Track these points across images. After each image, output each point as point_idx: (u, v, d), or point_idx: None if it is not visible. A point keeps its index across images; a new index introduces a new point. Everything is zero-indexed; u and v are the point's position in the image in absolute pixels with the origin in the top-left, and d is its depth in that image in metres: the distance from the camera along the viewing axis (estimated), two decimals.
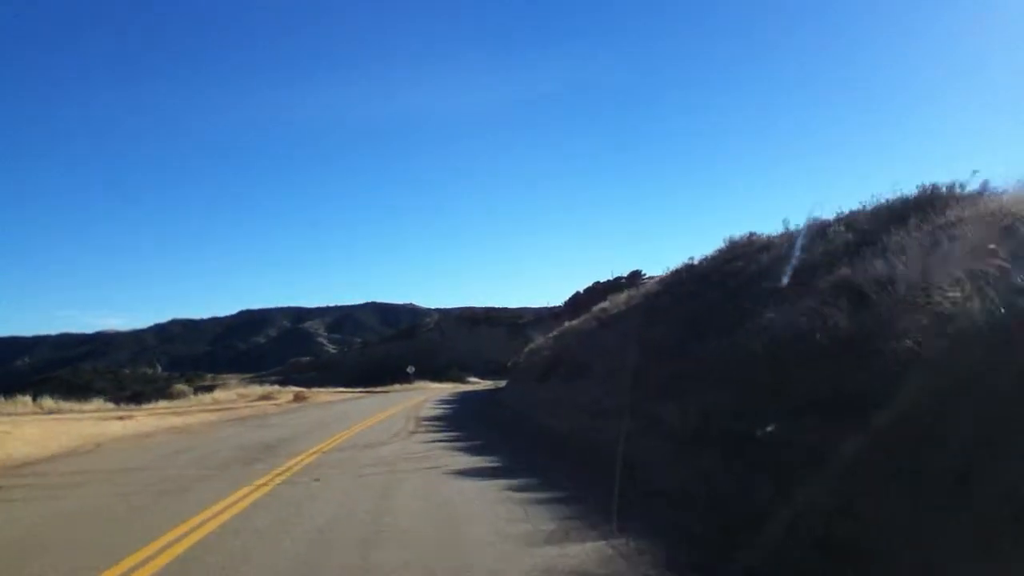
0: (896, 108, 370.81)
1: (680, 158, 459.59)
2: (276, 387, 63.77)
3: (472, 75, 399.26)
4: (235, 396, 48.60)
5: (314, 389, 64.16)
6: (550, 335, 40.19)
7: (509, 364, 75.58)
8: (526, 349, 48.48)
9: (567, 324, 39.90)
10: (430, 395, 51.90)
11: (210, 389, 70.95)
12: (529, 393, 30.22)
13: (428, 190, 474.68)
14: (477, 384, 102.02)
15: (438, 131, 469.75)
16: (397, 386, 78.34)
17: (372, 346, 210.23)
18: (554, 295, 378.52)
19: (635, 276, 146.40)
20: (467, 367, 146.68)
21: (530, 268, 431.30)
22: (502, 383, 74.71)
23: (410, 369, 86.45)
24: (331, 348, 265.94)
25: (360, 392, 65.68)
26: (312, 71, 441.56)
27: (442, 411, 32.59)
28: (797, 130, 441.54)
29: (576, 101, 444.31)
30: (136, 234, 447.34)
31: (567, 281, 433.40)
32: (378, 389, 70.98)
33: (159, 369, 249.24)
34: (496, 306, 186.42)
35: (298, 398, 46.99)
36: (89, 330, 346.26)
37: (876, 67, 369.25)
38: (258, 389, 58.59)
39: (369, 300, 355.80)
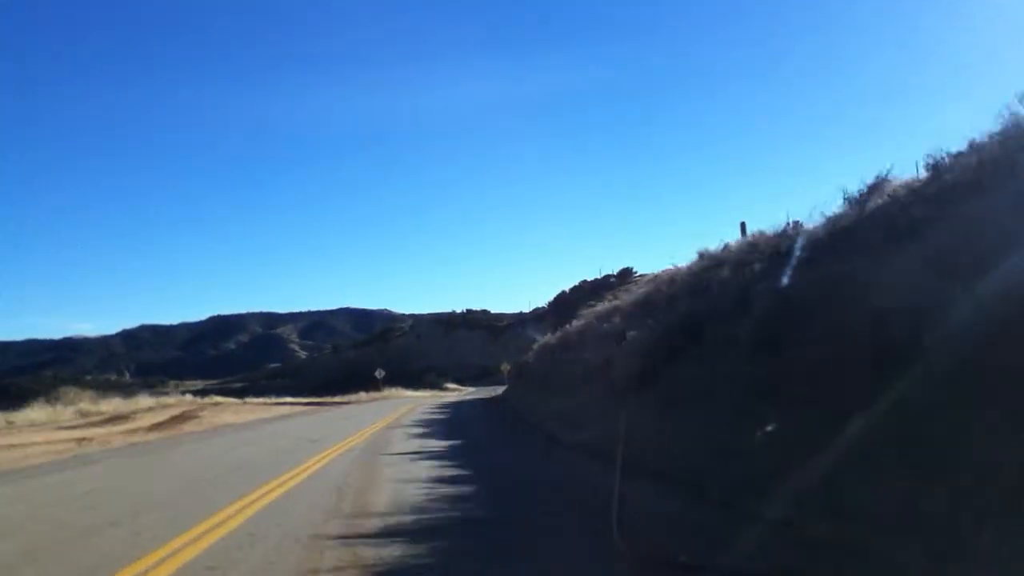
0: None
1: (668, 155, 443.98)
2: (189, 397, 46.63)
3: (449, 78, 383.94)
4: (74, 414, 30.47)
5: (250, 400, 47.03)
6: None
7: (505, 367, 60.76)
8: (537, 345, 34.46)
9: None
10: (404, 412, 34.68)
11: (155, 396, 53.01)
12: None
13: (404, 195, 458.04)
14: (459, 392, 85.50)
15: (414, 136, 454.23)
16: (363, 395, 61.67)
17: (343, 351, 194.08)
18: (536, 297, 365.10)
19: (626, 274, 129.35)
20: (444, 372, 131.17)
21: (510, 271, 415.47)
22: (492, 390, 59.25)
23: (379, 373, 69.52)
24: (303, 354, 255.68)
25: (307, 405, 47.32)
26: (285, 77, 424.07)
27: (440, 464, 13.68)
28: (788, 126, 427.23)
29: (557, 102, 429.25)
30: (105, 238, 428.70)
31: (549, 283, 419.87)
32: (336, 399, 53.58)
33: (127, 375, 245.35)
34: (474, 308, 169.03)
35: (178, 420, 27.44)
36: (57, 336, 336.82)
37: (869, 60, 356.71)
38: (142, 402, 39.55)
39: (343, 306, 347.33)
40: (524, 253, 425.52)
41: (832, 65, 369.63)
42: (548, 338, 34.55)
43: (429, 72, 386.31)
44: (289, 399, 53.66)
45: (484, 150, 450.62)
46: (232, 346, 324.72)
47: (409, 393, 68.74)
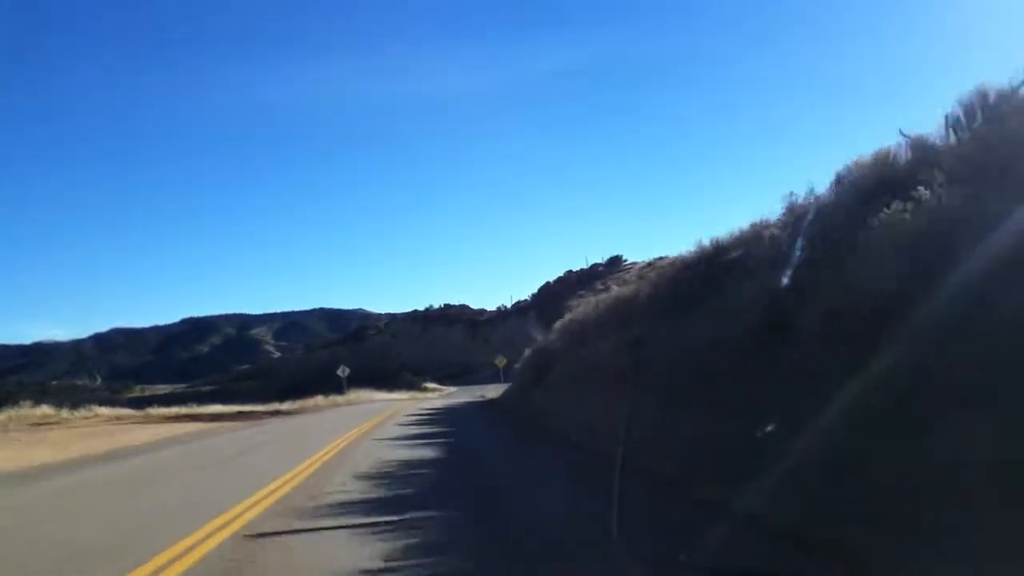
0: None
1: (651, 143, 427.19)
2: (105, 410, 33.27)
3: (423, 73, 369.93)
4: None
5: (154, 414, 33.58)
6: None
7: (500, 361, 48.37)
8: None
9: None
10: (369, 428, 21.46)
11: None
12: None
13: (378, 192, 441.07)
14: (441, 392, 72.30)
15: (388, 132, 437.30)
16: (320, 399, 48.48)
17: (315, 351, 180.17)
18: (519, 290, 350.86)
19: (615, 262, 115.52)
20: (421, 371, 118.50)
21: (488, 266, 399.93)
22: (478, 390, 46.39)
23: (342, 371, 55.93)
24: (278, 356, 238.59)
25: (234, 418, 30.84)
26: (257, 77, 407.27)
27: None
28: (774, 120, 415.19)
29: (532, 93, 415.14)
30: (76, 242, 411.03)
31: (530, 276, 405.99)
32: (285, 407, 39.43)
33: (99, 380, 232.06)
34: (453, 303, 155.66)
35: None
36: (27, 340, 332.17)
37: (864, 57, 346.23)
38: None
39: (318, 306, 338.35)
40: (502, 248, 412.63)
41: (823, 57, 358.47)
42: (589, 309, 22.16)
43: (401, 70, 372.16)
44: (219, 407, 39.61)
45: (459, 144, 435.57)
46: (205, 349, 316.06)
47: (380, 396, 55.64)
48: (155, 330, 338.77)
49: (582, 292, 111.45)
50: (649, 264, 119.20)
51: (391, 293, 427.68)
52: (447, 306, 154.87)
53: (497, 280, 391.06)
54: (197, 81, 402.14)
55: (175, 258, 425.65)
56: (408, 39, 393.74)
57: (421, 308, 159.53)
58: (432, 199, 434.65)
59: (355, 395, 52.97)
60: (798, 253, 9.90)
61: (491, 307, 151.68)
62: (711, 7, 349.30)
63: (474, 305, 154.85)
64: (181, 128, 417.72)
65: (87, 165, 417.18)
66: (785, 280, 9.47)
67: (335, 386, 66.51)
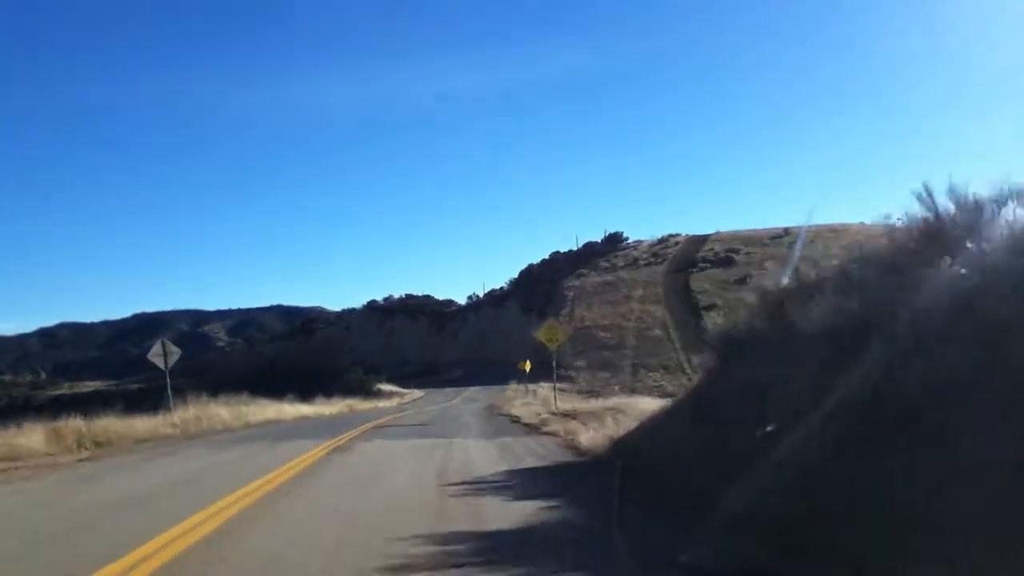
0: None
1: (638, 126, 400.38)
2: None
3: (381, 73, 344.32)
4: None
5: None
6: None
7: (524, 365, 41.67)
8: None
9: None
10: None
11: None
12: None
13: (337, 187, 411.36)
14: (401, 399, 49.09)
15: (341, 127, 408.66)
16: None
17: (260, 345, 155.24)
18: (492, 279, 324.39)
19: (615, 239, 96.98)
20: (378, 369, 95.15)
21: (455, 258, 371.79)
22: (456, 396, 45.55)
23: (160, 352, 27.93)
24: (218, 351, 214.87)
25: None
26: (219, 76, 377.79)
27: None
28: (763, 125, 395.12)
29: (501, 87, 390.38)
30: (23, 234, 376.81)
31: (502, 266, 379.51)
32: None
33: (42, 376, 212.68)
34: (416, 293, 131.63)
35: None
36: None
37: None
38: None
39: (275, 303, 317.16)
40: (470, 239, 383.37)
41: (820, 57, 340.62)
42: None
43: (364, 67, 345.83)
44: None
45: (420, 138, 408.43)
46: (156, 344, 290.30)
47: (291, 411, 30.25)
48: (105, 325, 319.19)
49: (583, 271, 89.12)
50: (661, 241, 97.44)
51: (352, 292, 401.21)
52: (408, 296, 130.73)
53: (465, 271, 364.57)
54: (134, 74, 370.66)
55: (128, 253, 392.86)
56: (357, 47, 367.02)
57: (379, 298, 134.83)
58: (392, 196, 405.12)
59: (224, 412, 26.76)
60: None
61: (460, 299, 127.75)
62: (710, 9, 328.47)
63: (439, 296, 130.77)
64: (136, 121, 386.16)
65: (36, 160, 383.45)
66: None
67: (282, 386, 42.80)
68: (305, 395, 40.58)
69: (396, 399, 53.03)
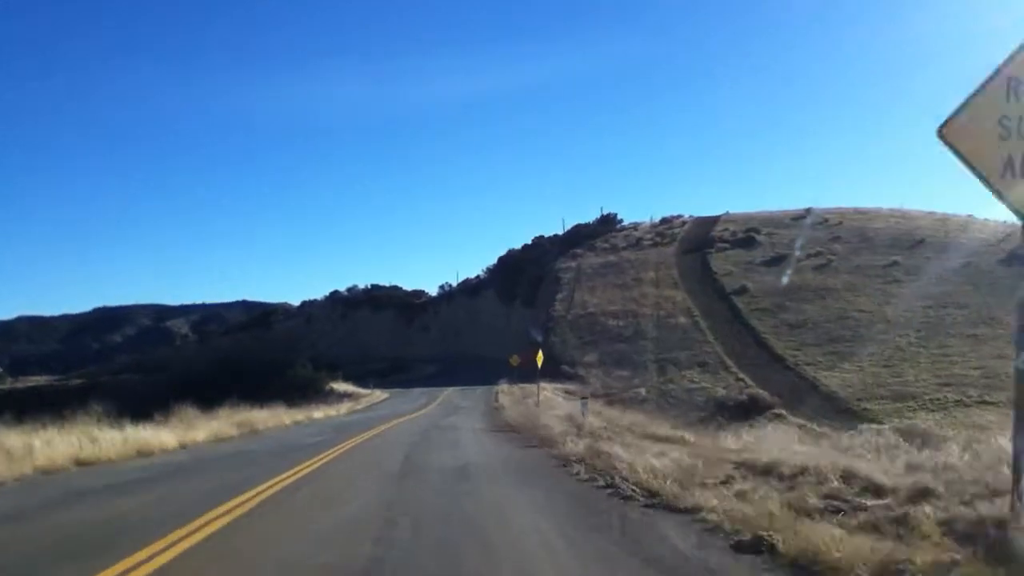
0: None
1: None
2: None
3: (345, 75, 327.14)
4: None
5: None
6: None
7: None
8: None
9: None
10: None
11: None
12: None
13: (305, 182, 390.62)
14: (354, 405, 34.99)
15: (306, 122, 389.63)
16: None
17: (214, 338, 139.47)
18: (466, 269, 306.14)
19: (608, 221, 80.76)
20: (339, 364, 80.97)
21: (422, 251, 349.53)
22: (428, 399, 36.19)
23: None
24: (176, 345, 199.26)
25: None
26: (206, 78, 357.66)
27: None
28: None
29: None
30: None
31: (479, 254, 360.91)
32: None
33: None
34: (382, 283, 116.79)
35: None
36: None
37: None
38: None
39: (240, 299, 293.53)
40: (438, 230, 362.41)
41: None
42: None
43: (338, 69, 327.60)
44: None
45: (391, 128, 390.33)
46: (118, 339, 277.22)
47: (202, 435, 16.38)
48: (65, 319, 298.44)
49: (577, 250, 75.22)
50: (663, 221, 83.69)
51: (321, 286, 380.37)
52: (374, 287, 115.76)
53: (436, 262, 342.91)
54: (85, 75, 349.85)
55: (89, 246, 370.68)
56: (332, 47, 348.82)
57: (342, 289, 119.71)
58: (368, 182, 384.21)
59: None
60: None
61: (432, 290, 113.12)
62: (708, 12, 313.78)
63: (408, 287, 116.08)
64: (101, 112, 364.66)
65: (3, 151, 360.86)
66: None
67: (226, 387, 33.47)
68: (250, 397, 29.24)
69: (347, 404, 38.34)
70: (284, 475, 10.37)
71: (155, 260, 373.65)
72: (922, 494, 6.88)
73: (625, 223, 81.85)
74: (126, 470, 12.10)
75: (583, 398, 23.03)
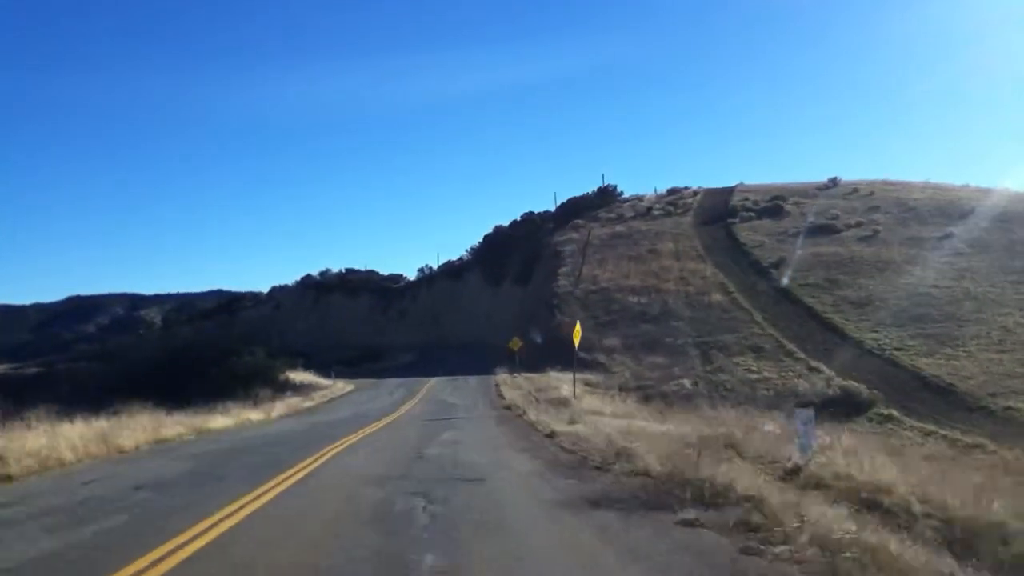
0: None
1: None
2: None
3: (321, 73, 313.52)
4: None
5: None
6: None
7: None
8: None
9: None
10: None
11: None
12: None
13: (280, 169, 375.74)
14: (329, 401, 24.86)
15: (284, 111, 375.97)
16: None
17: (176, 326, 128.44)
18: (447, 251, 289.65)
19: (608, 192, 69.96)
20: (308, 352, 71.97)
21: (399, 233, 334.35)
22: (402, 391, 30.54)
23: None
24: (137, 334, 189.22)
25: None
26: (199, 74, 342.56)
27: None
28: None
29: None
30: None
31: (460, 237, 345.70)
32: None
33: None
34: (357, 268, 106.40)
35: None
36: None
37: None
38: None
39: (215, 288, 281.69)
40: (416, 213, 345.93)
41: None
42: None
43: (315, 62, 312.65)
44: None
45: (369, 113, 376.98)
46: (91, 329, 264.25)
47: None
48: (36, 308, 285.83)
49: (578, 221, 64.78)
50: (672, 192, 72.13)
51: (296, 274, 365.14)
52: (349, 271, 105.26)
53: (414, 247, 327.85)
54: (81, 64, 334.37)
55: (62, 234, 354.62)
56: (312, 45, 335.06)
57: (315, 273, 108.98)
58: (345, 166, 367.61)
59: None
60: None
61: (410, 274, 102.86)
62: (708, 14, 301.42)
63: (385, 272, 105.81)
64: (77, 99, 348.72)
65: None
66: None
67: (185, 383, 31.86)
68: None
69: (307, 401, 28.24)
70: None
71: (129, 249, 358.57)
72: None
73: (627, 195, 72.02)
74: None
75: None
